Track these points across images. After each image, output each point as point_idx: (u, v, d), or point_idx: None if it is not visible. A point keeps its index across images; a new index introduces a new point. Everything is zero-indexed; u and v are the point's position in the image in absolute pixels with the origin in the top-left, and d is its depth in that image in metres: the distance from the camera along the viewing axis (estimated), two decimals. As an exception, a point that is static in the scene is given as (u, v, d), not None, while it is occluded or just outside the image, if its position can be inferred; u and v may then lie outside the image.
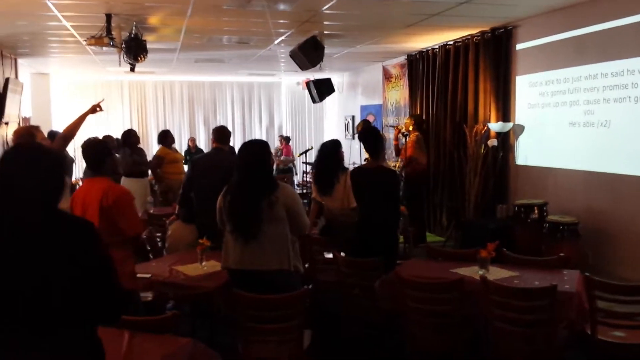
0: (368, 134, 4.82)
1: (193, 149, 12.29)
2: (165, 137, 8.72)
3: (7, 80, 8.25)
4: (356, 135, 11.10)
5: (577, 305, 3.53)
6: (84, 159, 3.71)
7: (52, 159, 1.96)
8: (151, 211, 7.08)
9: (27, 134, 4.05)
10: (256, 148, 3.69)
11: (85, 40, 6.33)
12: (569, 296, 3.51)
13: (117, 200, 3.44)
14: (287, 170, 12.39)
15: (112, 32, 5.99)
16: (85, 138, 6.86)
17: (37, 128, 4.21)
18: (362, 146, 9.75)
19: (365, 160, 8.35)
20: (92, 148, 3.72)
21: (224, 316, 4.02)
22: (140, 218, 6.63)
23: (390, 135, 9.26)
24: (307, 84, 10.69)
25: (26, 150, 1.98)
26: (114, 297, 1.95)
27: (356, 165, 9.15)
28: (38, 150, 1.99)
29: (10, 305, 1.78)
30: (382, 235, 4.45)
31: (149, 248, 4.83)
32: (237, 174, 3.64)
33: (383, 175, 4.58)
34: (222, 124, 14.09)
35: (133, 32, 6.27)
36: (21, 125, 9.38)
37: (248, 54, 9.54)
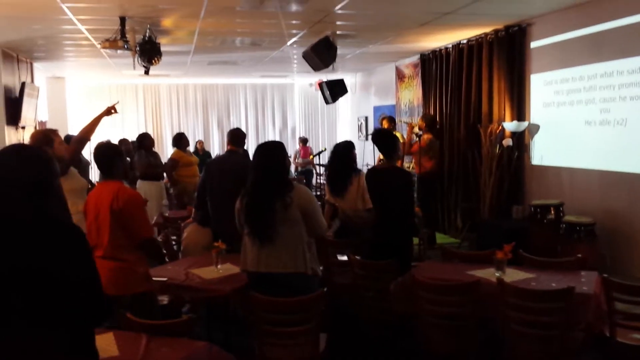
0: (381, 135, 4.81)
1: (201, 152, 12.35)
2: (180, 140, 8.76)
3: (23, 85, 8.33)
4: (369, 136, 11.09)
5: (595, 307, 3.48)
6: (95, 162, 3.73)
7: (37, 159, 1.96)
8: (166, 214, 7.12)
9: (44, 137, 4.08)
10: (270, 149, 3.69)
11: (100, 44, 6.38)
12: (587, 298, 3.46)
13: (127, 203, 3.45)
14: (307, 172, 12.37)
15: (127, 35, 6.03)
16: (99, 141, 7.00)
17: (54, 132, 4.23)
18: (375, 147, 9.78)
19: (379, 161, 8.38)
20: (102, 151, 3.74)
21: (239, 319, 4.04)
22: (156, 221, 6.74)
23: (403, 132, 9.21)
24: (320, 85, 10.67)
25: (12, 150, 1.99)
26: (94, 304, 1.92)
27: (369, 167, 9.15)
28: (24, 150, 2.00)
29: None
30: (397, 237, 4.43)
31: (164, 251, 4.85)
32: (252, 175, 3.65)
33: (397, 176, 4.56)
34: (235, 126, 14.18)
35: (147, 34, 6.30)
36: (37, 129, 9.49)
37: (261, 56, 9.56)
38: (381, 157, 8.21)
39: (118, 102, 5.06)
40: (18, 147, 2.05)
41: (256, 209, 3.53)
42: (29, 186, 1.88)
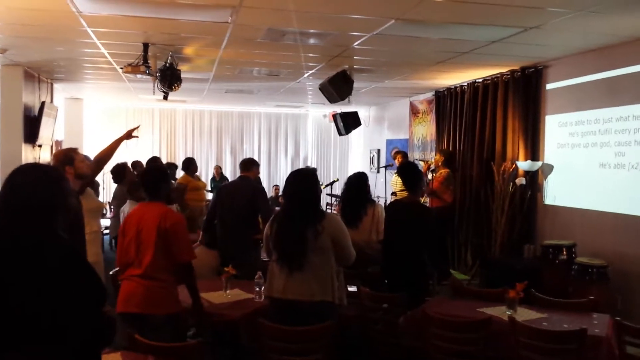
0: (408, 169, 4.84)
1: (217, 177, 12.44)
2: (189, 165, 8.85)
3: (42, 104, 8.49)
4: (382, 169, 11.12)
5: (607, 351, 3.44)
6: (142, 182, 3.82)
7: (51, 179, 1.98)
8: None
9: (65, 155, 4.16)
10: (304, 177, 3.73)
11: (122, 68, 6.51)
12: (598, 340, 3.43)
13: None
14: None
15: (149, 61, 6.15)
16: (115, 163, 7.08)
17: (75, 150, 4.30)
18: (387, 180, 9.81)
19: (392, 194, 8.41)
20: (152, 173, 3.85)
21: (246, 346, 4.02)
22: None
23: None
24: (334, 116, 10.78)
25: (28, 169, 2.00)
26: (96, 326, 1.92)
27: (380, 199, 9.16)
28: (39, 170, 2.01)
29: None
30: (412, 271, 4.41)
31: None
32: (284, 202, 3.69)
33: (419, 211, 4.56)
34: (248, 153, 14.32)
35: (169, 61, 6.42)
36: (53, 148, 9.62)
37: (277, 86, 9.69)
38: (396, 191, 8.32)
39: (139, 126, 5.14)
40: (29, 167, 2.05)
41: (287, 236, 3.54)
42: (38, 206, 1.90)
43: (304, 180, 3.67)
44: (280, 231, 3.58)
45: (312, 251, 3.47)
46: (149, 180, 3.79)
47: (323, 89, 7.77)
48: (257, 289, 4.11)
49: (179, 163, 12.90)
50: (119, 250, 3.69)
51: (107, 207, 10.06)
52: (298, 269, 3.48)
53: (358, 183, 5.30)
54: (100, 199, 9.23)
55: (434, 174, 7.62)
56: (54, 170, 2.12)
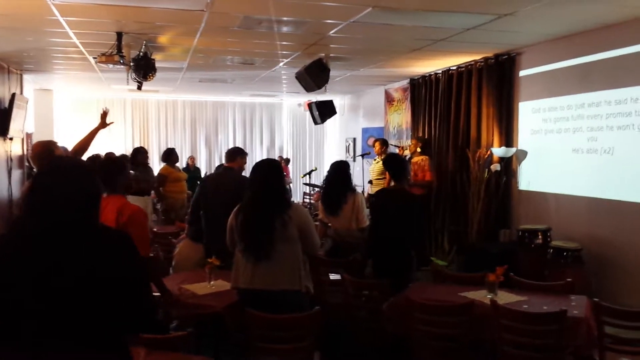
0: (393, 160, 4.91)
1: (191, 168, 12.35)
2: (170, 156, 8.78)
3: (13, 96, 8.29)
4: (357, 157, 11.17)
5: (586, 331, 3.54)
6: (99, 175, 3.73)
7: (85, 172, 2.01)
8: (155, 229, 7.07)
9: (46, 149, 4.10)
10: (268, 167, 3.73)
11: (96, 58, 6.39)
12: (578, 321, 3.53)
13: (131, 218, 3.47)
14: None
15: (122, 50, 6.05)
16: (91, 154, 6.96)
17: (54, 143, 4.25)
18: (364, 168, 9.86)
19: (368, 182, 8.46)
20: (108, 165, 3.76)
21: (230, 336, 4.02)
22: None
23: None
24: (309, 105, 10.76)
25: (62, 164, 2.05)
26: (146, 308, 2.02)
27: (358, 187, 9.20)
28: (72, 164, 2.06)
29: (45, 315, 1.80)
30: (398, 257, 4.46)
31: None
32: (249, 192, 3.67)
33: (406, 199, 4.61)
34: (223, 143, 14.24)
35: (143, 50, 6.33)
36: (24, 141, 9.41)
37: (252, 75, 9.62)
38: (371, 179, 8.38)
39: (108, 110, 5.00)
40: (73, 163, 2.14)
41: (254, 226, 3.55)
42: (88, 199, 1.96)
43: (269, 170, 3.69)
44: (247, 221, 3.57)
45: (279, 240, 3.50)
46: (106, 173, 3.68)
47: (299, 77, 7.74)
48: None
49: (155, 154, 12.86)
50: None
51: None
52: (265, 258, 3.49)
53: (339, 171, 5.34)
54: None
55: (410, 160, 7.69)
56: (89, 166, 2.25)
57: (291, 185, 12.91)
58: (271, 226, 3.49)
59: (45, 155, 4.00)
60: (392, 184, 4.85)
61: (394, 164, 4.79)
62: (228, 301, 3.86)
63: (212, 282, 4.19)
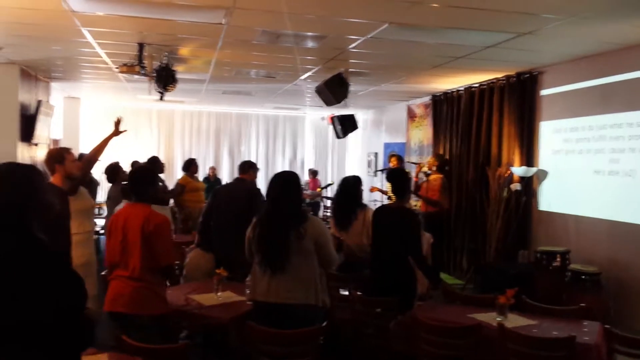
0: (396, 174, 4.83)
1: (212, 178, 12.44)
2: (189, 166, 8.86)
3: (39, 103, 8.48)
4: (379, 172, 11.12)
5: (596, 358, 3.43)
6: (130, 183, 3.80)
7: (22, 176, 1.92)
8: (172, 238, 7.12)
9: (57, 154, 4.19)
10: (286, 179, 3.71)
11: (117, 68, 6.50)
12: (587, 348, 3.42)
13: (158, 227, 3.51)
14: (314, 204, 12.36)
15: (144, 61, 6.15)
16: (108, 163, 7.08)
17: (67, 150, 4.31)
18: (383, 183, 9.80)
19: (388, 198, 8.39)
20: (139, 174, 3.83)
21: (236, 348, 4.00)
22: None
23: (412, 172, 9.26)
24: (332, 119, 10.78)
25: (1, 168, 1.94)
26: (74, 329, 1.88)
27: (377, 203, 9.16)
28: (9, 167, 1.95)
29: None
30: (399, 276, 4.40)
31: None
32: (267, 205, 3.67)
33: (405, 216, 4.55)
34: (246, 155, 14.32)
35: (164, 61, 6.42)
36: (51, 147, 9.61)
37: (275, 88, 9.69)
38: (390, 195, 8.31)
39: (122, 118, 5.04)
40: (11, 167, 1.99)
41: (270, 239, 3.54)
42: (6, 207, 1.85)
43: (286, 183, 3.66)
44: (263, 233, 3.57)
45: (295, 254, 3.47)
46: (135, 181, 3.77)
47: (319, 91, 7.76)
48: (248, 291, 4.10)
49: (178, 164, 13.00)
50: (107, 251, 3.68)
51: (104, 207, 10.03)
52: (281, 271, 3.47)
53: (350, 187, 5.31)
54: (99, 198, 9.24)
55: (427, 177, 7.62)
56: (24, 167, 2.03)
57: (320, 197, 12.75)
58: (287, 239, 3.47)
59: (56, 160, 4.09)
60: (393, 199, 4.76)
61: (396, 178, 4.73)
62: (234, 313, 3.85)
63: (219, 294, 4.19)
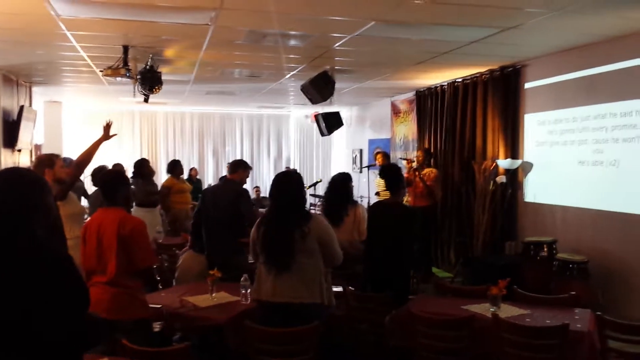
0: (389, 171, 4.87)
1: (194, 179, 12.44)
2: (174, 168, 8.82)
3: (21, 108, 8.38)
4: (364, 169, 11.16)
5: (589, 345, 3.50)
6: (100, 188, 3.76)
7: (27, 181, 1.93)
8: (160, 241, 7.10)
9: (47, 159, 4.17)
10: (288, 179, 3.74)
11: (102, 71, 6.46)
12: (581, 335, 3.49)
13: (134, 230, 3.48)
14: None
15: (129, 64, 6.11)
16: (95, 166, 7.01)
17: (57, 156, 4.32)
18: (369, 180, 9.85)
19: (375, 194, 8.45)
20: (109, 178, 3.79)
21: (232, 349, 4.01)
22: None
23: (403, 168, 9.31)
24: (316, 117, 10.79)
25: (2, 173, 1.96)
26: (77, 329, 1.89)
27: (364, 199, 9.21)
28: (13, 173, 1.97)
29: None
30: (395, 271, 4.44)
31: (158, 278, 4.84)
32: (270, 205, 3.70)
33: (401, 212, 4.59)
34: (230, 155, 14.29)
35: (149, 63, 6.39)
36: (33, 152, 9.50)
37: (259, 87, 9.68)
38: (378, 191, 8.36)
39: (111, 122, 5.02)
40: (13, 172, 2.02)
41: (274, 238, 3.55)
42: (12, 208, 1.85)
43: (289, 182, 3.68)
44: (267, 233, 3.58)
45: (299, 253, 3.49)
46: (105, 186, 3.71)
47: (305, 90, 7.78)
48: (243, 291, 4.11)
49: (163, 166, 12.91)
50: (82, 258, 3.58)
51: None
52: (286, 270, 3.48)
53: (341, 184, 5.34)
54: (84, 202, 9.15)
55: (417, 172, 7.68)
56: (29, 172, 2.06)
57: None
58: (291, 238, 3.48)
59: (45, 165, 4.08)
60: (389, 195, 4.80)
61: (390, 174, 4.77)
62: (230, 314, 3.86)
63: (214, 295, 4.19)
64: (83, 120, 13.34)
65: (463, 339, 3.61)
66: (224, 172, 14.04)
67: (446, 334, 3.70)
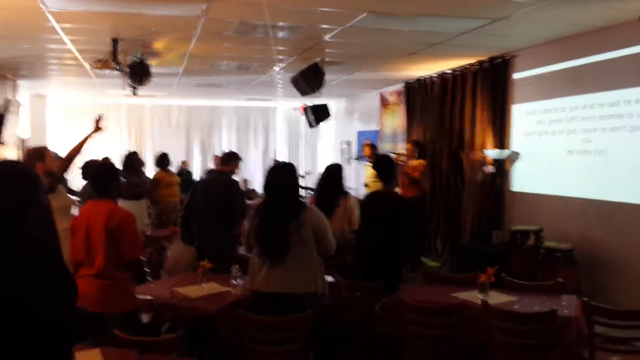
0: (382, 162, 4.90)
1: (184, 171, 12.42)
2: (163, 161, 8.79)
3: (7, 102, 8.30)
4: (352, 160, 11.19)
5: (576, 330, 3.57)
6: (90, 180, 3.76)
7: (21, 175, 1.90)
8: (148, 233, 7.09)
9: (37, 152, 4.15)
10: (283, 170, 3.75)
11: (92, 64, 6.42)
12: (568, 321, 3.55)
13: (121, 223, 3.47)
14: None
15: (118, 56, 6.08)
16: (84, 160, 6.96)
17: (46, 148, 4.30)
18: (358, 170, 9.88)
19: (364, 185, 8.49)
20: (99, 170, 3.79)
21: (223, 339, 4.03)
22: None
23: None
24: (305, 109, 10.79)
25: None
26: (77, 322, 1.89)
27: (352, 190, 9.23)
28: (6, 166, 1.94)
29: None
30: (387, 261, 4.48)
31: (147, 270, 4.84)
32: (265, 196, 3.70)
33: (395, 202, 4.63)
34: (218, 147, 14.25)
35: (138, 56, 6.35)
36: (19, 146, 9.42)
37: (247, 80, 9.66)
38: (367, 182, 8.40)
39: (103, 115, 5.00)
40: (5, 165, 1.98)
41: (269, 229, 3.56)
42: (9, 202, 1.82)
43: (284, 174, 3.70)
44: (262, 224, 3.59)
45: (294, 243, 3.50)
46: (95, 178, 3.73)
47: (295, 82, 7.77)
48: (234, 282, 4.13)
49: (150, 158, 12.83)
50: (70, 250, 3.56)
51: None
52: (280, 261, 3.50)
53: (333, 174, 5.37)
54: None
55: (406, 164, 7.72)
56: (21, 166, 2.03)
57: None
58: (286, 229, 3.49)
59: (36, 158, 4.06)
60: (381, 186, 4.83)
61: (382, 165, 4.81)
62: (220, 304, 3.86)
63: (204, 285, 4.20)
64: (67, 114, 13.24)
65: (453, 326, 3.65)
66: (211, 164, 14.05)
67: (436, 322, 3.74)
